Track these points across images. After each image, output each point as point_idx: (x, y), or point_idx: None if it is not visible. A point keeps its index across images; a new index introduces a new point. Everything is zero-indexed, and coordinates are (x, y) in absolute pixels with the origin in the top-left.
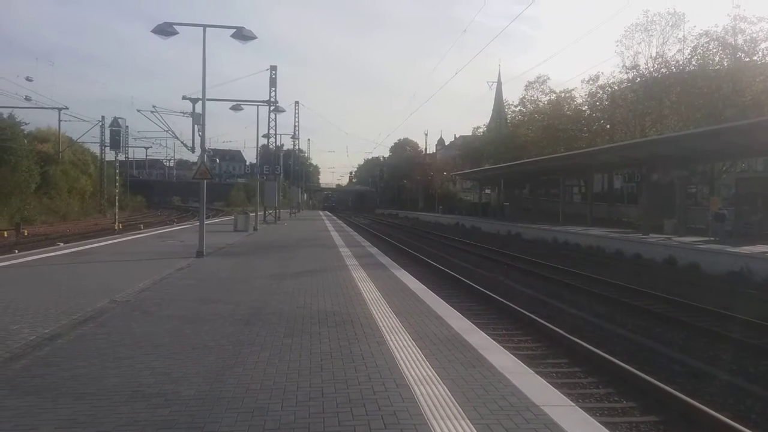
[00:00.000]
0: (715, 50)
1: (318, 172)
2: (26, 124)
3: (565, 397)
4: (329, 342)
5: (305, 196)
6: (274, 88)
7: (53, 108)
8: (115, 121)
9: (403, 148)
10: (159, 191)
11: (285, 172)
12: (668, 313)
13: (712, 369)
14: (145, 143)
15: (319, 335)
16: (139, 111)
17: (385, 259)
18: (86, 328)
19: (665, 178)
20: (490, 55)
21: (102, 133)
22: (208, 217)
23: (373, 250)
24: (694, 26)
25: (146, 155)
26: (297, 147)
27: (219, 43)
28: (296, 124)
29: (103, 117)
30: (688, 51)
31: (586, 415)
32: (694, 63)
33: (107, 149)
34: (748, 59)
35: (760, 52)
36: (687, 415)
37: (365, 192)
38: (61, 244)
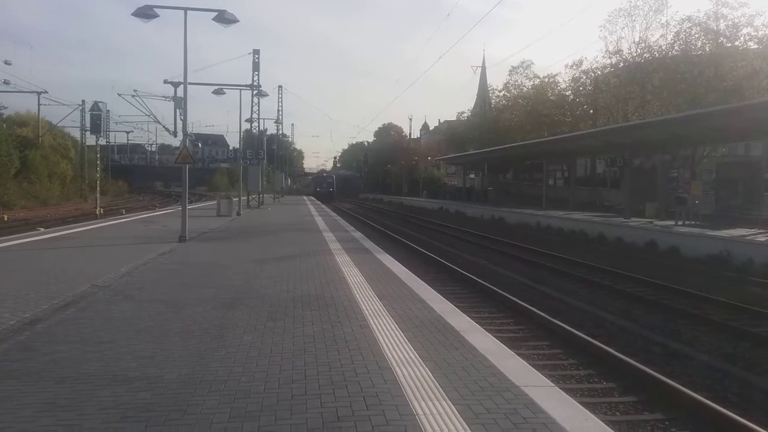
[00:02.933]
0: (697, 35)
1: (302, 157)
2: (5, 108)
3: (545, 378)
4: (312, 325)
5: (289, 180)
6: (257, 72)
7: (32, 92)
8: (96, 105)
9: (387, 132)
10: (141, 176)
11: (268, 157)
12: (649, 296)
13: (691, 350)
14: (126, 128)
15: (302, 319)
16: (119, 95)
17: (369, 244)
18: (67, 313)
19: (647, 163)
20: (475, 40)
21: (82, 118)
22: (190, 202)
23: (357, 234)
24: (677, 11)
25: (128, 140)
26: (280, 131)
27: (200, 26)
28: (279, 108)
29: (83, 101)
30: (671, 36)
31: (566, 395)
32: (676, 48)
33: (88, 134)
34: (729, 44)
35: (741, 38)
36: (665, 395)
37: (349, 176)
38: (42, 229)
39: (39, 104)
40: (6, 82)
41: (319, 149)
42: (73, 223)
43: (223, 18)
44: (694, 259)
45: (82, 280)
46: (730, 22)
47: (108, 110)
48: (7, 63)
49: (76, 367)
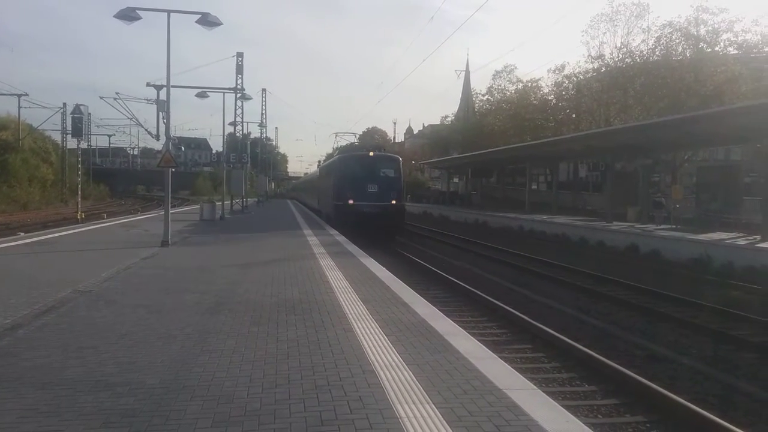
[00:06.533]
0: (678, 41)
1: (286, 161)
2: None
3: (528, 381)
4: (296, 329)
5: (273, 184)
6: (240, 75)
7: (12, 95)
8: (77, 108)
9: (371, 136)
10: (123, 180)
11: (252, 161)
12: (631, 299)
13: (671, 353)
14: (108, 131)
15: (286, 323)
16: (101, 98)
17: (352, 248)
18: (48, 318)
19: (629, 167)
20: (458, 44)
21: (63, 121)
22: (173, 206)
23: (341, 238)
24: (658, 17)
25: (109, 143)
26: (264, 135)
27: (184, 29)
28: (263, 111)
29: (64, 104)
30: (652, 41)
31: (548, 398)
32: (657, 53)
33: (69, 137)
34: (709, 50)
35: (721, 43)
36: (646, 397)
37: None
38: (22, 234)
39: (19, 107)
40: None
41: (303, 153)
42: (54, 228)
43: (207, 21)
44: (675, 263)
45: (63, 285)
46: (710, 28)
47: (89, 113)
48: None
49: (58, 373)
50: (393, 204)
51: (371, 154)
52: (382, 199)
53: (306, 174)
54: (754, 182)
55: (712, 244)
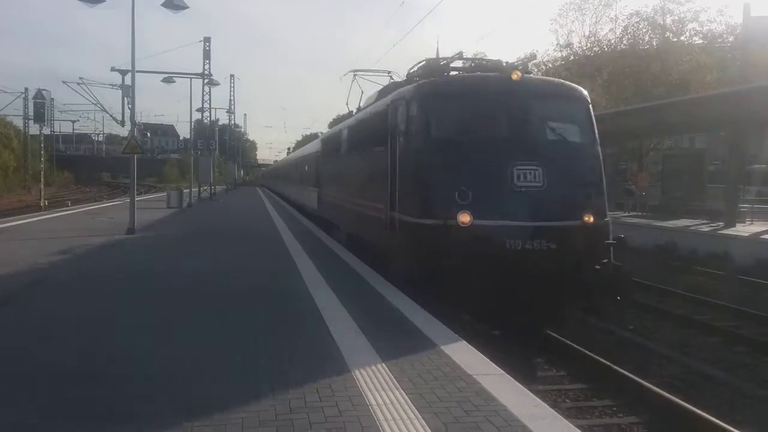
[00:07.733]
0: (644, 30)
1: (255, 148)
2: None
3: (497, 367)
4: (266, 319)
5: (242, 172)
6: (208, 61)
7: None
8: (39, 93)
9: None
10: (87, 167)
11: (220, 148)
12: None
13: (637, 338)
14: (71, 117)
15: (255, 313)
16: (64, 83)
17: (323, 236)
18: (6, 309)
19: None
20: (429, 32)
21: (25, 106)
22: (139, 194)
23: (311, 226)
24: (626, 6)
25: (73, 129)
26: (233, 122)
27: (150, 13)
28: (232, 98)
29: (26, 89)
30: (620, 30)
31: (517, 383)
32: (625, 42)
33: (31, 122)
34: (675, 39)
35: (687, 32)
36: (612, 380)
37: None
38: None
39: None
40: None
41: (273, 140)
42: (16, 215)
43: (172, 4)
44: (641, 250)
45: (26, 271)
46: (676, 17)
47: (52, 98)
48: None
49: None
50: (588, 224)
51: (515, 77)
52: (554, 211)
53: (276, 161)
54: (718, 170)
55: (678, 231)
